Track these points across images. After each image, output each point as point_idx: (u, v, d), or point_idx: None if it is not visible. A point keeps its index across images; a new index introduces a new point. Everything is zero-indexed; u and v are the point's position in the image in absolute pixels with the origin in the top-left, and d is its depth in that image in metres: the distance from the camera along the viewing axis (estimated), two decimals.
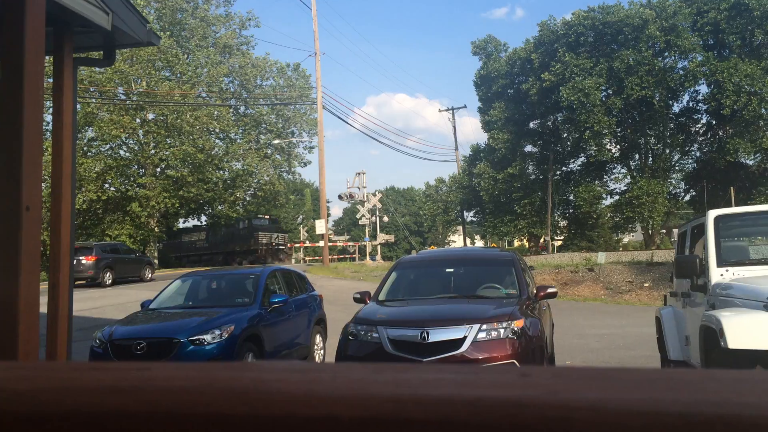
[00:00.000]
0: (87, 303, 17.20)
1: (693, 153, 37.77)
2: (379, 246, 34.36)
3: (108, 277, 23.97)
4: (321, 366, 0.48)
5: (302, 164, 45.83)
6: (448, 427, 0.37)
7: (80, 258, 22.43)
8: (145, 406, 0.41)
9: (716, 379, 0.40)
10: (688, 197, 39.01)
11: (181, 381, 0.44)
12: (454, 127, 51.58)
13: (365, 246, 34.51)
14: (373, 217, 34.09)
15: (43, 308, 4.54)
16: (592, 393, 0.39)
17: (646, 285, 21.07)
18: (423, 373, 0.44)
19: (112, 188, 38.04)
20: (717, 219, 6.18)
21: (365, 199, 34.48)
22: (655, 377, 0.41)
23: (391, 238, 36.07)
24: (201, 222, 47.50)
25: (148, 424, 0.41)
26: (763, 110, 30.65)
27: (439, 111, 66.80)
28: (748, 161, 34.73)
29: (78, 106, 5.44)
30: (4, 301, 2.76)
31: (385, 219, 35.12)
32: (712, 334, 5.05)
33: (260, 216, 46.17)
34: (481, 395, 0.39)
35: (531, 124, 40.41)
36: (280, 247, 43.94)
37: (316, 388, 0.42)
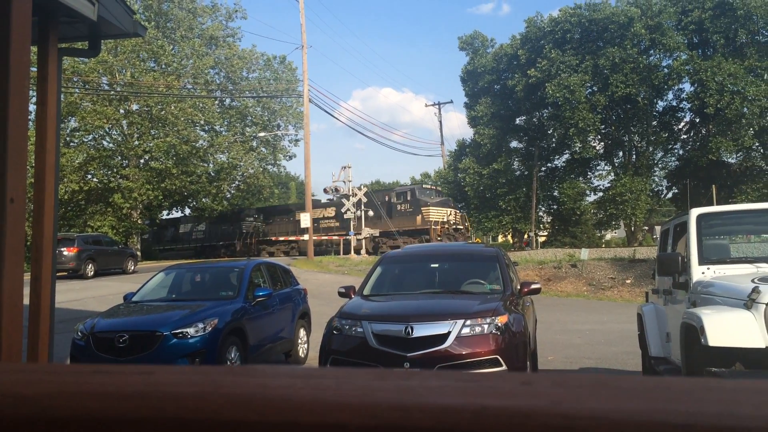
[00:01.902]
0: (69, 295, 17.06)
1: (676, 151, 38.20)
2: (364, 240, 34.36)
3: (90, 269, 23.78)
4: (324, 371, 0.49)
5: (287, 157, 45.68)
6: None
7: (62, 249, 22.24)
8: (150, 411, 0.42)
9: (714, 389, 0.41)
10: (670, 195, 39.41)
11: (186, 386, 0.44)
12: (440, 122, 51.80)
13: (350, 240, 34.48)
14: (358, 211, 34.06)
15: (25, 300, 4.49)
16: (594, 403, 0.40)
17: (628, 282, 21.27)
18: (426, 380, 0.45)
19: (94, 179, 37.70)
20: (699, 217, 6.26)
21: (350, 192, 34.43)
22: (654, 386, 0.42)
23: (376, 232, 35.92)
24: (185, 214, 46.10)
25: (153, 430, 0.41)
26: (745, 109, 31.01)
27: (426, 106, 66.99)
28: (730, 160, 35.22)
29: (62, 96, 5.39)
30: None
31: (371, 213, 35.06)
32: (693, 332, 5.12)
33: (424, 184, 35.16)
34: (486, 404, 0.39)
35: (517, 120, 40.63)
36: (458, 228, 33.62)
37: (322, 395, 0.42)
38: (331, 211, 36.58)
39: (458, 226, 33.55)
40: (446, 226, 32.32)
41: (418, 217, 32.11)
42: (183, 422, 0.41)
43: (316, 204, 37.82)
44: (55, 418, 0.42)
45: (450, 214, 33.38)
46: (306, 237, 33.54)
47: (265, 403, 0.41)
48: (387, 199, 34.25)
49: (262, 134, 42.21)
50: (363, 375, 0.46)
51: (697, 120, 36.02)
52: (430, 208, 32.29)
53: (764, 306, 4.71)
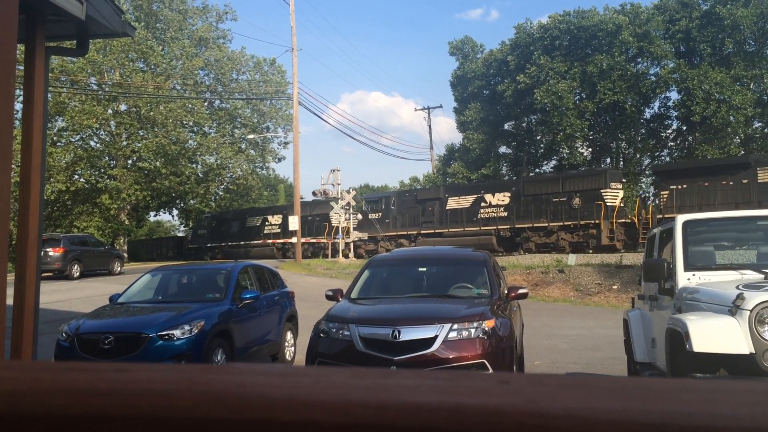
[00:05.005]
0: (54, 296, 16.91)
1: (663, 158, 38.52)
2: (352, 243, 34.30)
3: (76, 270, 23.59)
4: (303, 370, 0.48)
5: (276, 160, 45.51)
6: None
7: (47, 249, 22.06)
8: (124, 409, 0.41)
9: (690, 389, 0.41)
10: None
11: (160, 384, 0.44)
12: (430, 126, 51.91)
13: (338, 243, 34.39)
14: (347, 214, 33.99)
15: (9, 300, 4.44)
16: (570, 402, 0.39)
17: (615, 287, 21.36)
18: (403, 379, 0.44)
19: (81, 179, 37.41)
20: (685, 224, 6.30)
21: (339, 196, 34.37)
22: (630, 386, 0.42)
23: (365, 236, 35.83)
24: (172, 215, 45.76)
25: (126, 428, 0.41)
26: (731, 118, 31.30)
27: (415, 110, 67.07)
28: None
29: (48, 95, 5.33)
30: None
31: (359, 216, 35.03)
32: (678, 338, 5.15)
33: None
34: (462, 402, 0.39)
35: (506, 126, 40.85)
36: None
37: (297, 392, 0.42)
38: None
39: None
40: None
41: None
42: (157, 420, 0.41)
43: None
44: (27, 415, 0.42)
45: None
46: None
47: (240, 401, 0.41)
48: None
49: (251, 136, 42.04)
50: (340, 374, 0.46)
51: (684, 128, 36.35)
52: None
53: (748, 312, 4.75)
